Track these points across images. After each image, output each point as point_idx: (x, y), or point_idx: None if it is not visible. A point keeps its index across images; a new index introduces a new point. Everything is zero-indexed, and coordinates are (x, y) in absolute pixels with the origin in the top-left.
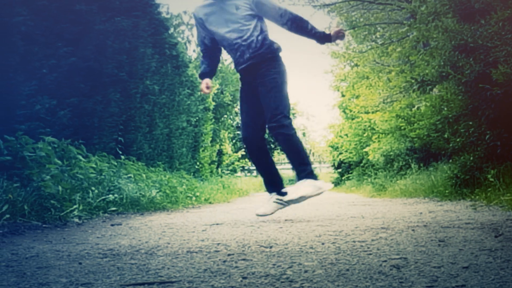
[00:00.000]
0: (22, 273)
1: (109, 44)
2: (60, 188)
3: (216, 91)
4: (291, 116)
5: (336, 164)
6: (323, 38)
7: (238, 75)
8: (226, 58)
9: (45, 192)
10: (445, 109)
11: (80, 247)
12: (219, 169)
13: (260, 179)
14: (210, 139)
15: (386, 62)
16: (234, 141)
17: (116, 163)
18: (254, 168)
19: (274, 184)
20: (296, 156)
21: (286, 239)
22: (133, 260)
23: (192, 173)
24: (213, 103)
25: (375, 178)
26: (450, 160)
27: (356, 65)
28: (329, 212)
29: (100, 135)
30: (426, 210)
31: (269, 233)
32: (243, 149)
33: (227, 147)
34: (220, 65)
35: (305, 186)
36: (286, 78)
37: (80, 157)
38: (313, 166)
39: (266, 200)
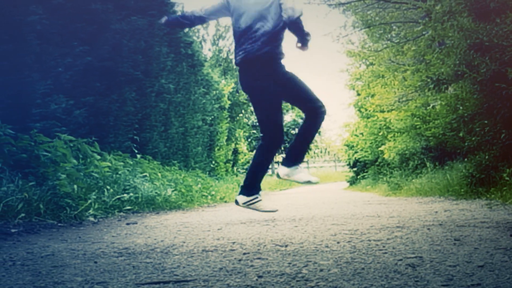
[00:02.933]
0: (38, 272)
1: (125, 43)
2: (75, 187)
3: (231, 90)
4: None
5: (351, 163)
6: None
7: None
8: None
9: (60, 191)
10: (461, 108)
11: (96, 246)
12: (235, 168)
13: (275, 178)
14: (226, 138)
15: (402, 61)
16: (249, 139)
17: (131, 162)
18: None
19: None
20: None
21: (301, 238)
22: (148, 259)
23: (207, 172)
24: (229, 102)
25: (390, 177)
26: (466, 159)
27: (372, 64)
28: (345, 211)
29: (115, 134)
30: (442, 209)
31: (285, 232)
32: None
33: (243, 146)
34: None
35: None
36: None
37: (96, 156)
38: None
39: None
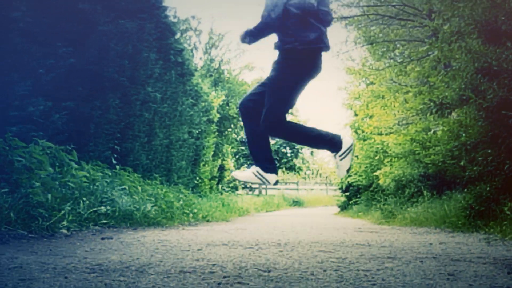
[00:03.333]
0: (4, 285)
1: (112, 46)
2: (49, 196)
3: (221, 103)
4: None
5: (344, 187)
6: None
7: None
8: (233, 69)
9: (33, 200)
10: (463, 135)
11: (67, 260)
12: (220, 186)
13: (262, 199)
14: (212, 153)
15: (404, 81)
16: (237, 156)
17: (110, 173)
18: (257, 186)
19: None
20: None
21: (286, 264)
22: (122, 277)
23: (190, 188)
24: (218, 115)
25: (384, 204)
26: (465, 190)
27: (372, 83)
28: (334, 237)
29: (95, 142)
30: (437, 241)
31: (268, 256)
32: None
33: (230, 163)
34: (227, 75)
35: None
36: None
37: (73, 164)
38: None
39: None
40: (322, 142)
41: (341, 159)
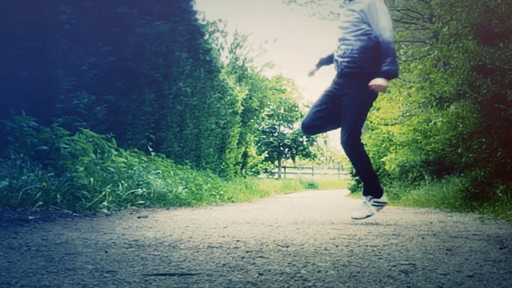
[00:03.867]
0: (51, 258)
1: (147, 46)
2: (92, 179)
3: (245, 97)
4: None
5: (354, 171)
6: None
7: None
8: (256, 66)
9: (77, 183)
10: (460, 125)
11: (107, 236)
12: (243, 170)
13: (281, 182)
14: (237, 141)
15: (408, 78)
16: (259, 144)
17: (146, 159)
18: (277, 171)
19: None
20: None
21: (302, 240)
22: (156, 252)
23: (217, 173)
24: (242, 108)
25: (390, 187)
26: (462, 174)
27: None
28: (345, 216)
29: (133, 131)
30: (437, 220)
31: (286, 233)
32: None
33: (252, 150)
34: (250, 72)
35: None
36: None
37: (113, 151)
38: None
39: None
40: (373, 180)
41: (372, 204)
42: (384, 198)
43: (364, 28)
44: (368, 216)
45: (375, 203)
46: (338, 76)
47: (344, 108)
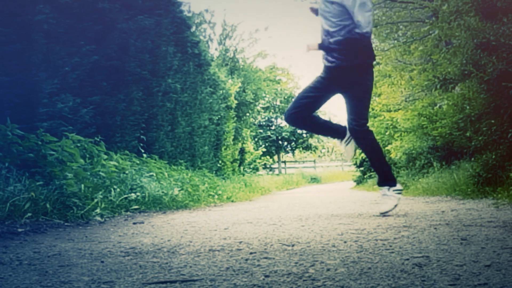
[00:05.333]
0: (44, 272)
1: (132, 42)
2: (82, 186)
3: (238, 90)
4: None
5: (358, 162)
6: None
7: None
8: (248, 57)
9: (67, 191)
10: (468, 107)
11: (102, 245)
12: (241, 167)
13: (282, 177)
14: (232, 137)
15: (408, 60)
16: (256, 139)
17: (138, 162)
18: (277, 166)
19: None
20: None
21: (308, 237)
22: (155, 259)
23: (214, 172)
24: (235, 102)
25: (397, 176)
26: (472, 159)
27: (378, 63)
28: (351, 210)
29: (122, 133)
30: (448, 208)
31: (291, 231)
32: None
33: (249, 145)
34: (242, 63)
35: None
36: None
37: (103, 155)
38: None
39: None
40: (387, 168)
41: (395, 193)
42: (399, 185)
43: (347, 19)
44: (396, 206)
45: (397, 191)
46: (327, 70)
47: (348, 98)
